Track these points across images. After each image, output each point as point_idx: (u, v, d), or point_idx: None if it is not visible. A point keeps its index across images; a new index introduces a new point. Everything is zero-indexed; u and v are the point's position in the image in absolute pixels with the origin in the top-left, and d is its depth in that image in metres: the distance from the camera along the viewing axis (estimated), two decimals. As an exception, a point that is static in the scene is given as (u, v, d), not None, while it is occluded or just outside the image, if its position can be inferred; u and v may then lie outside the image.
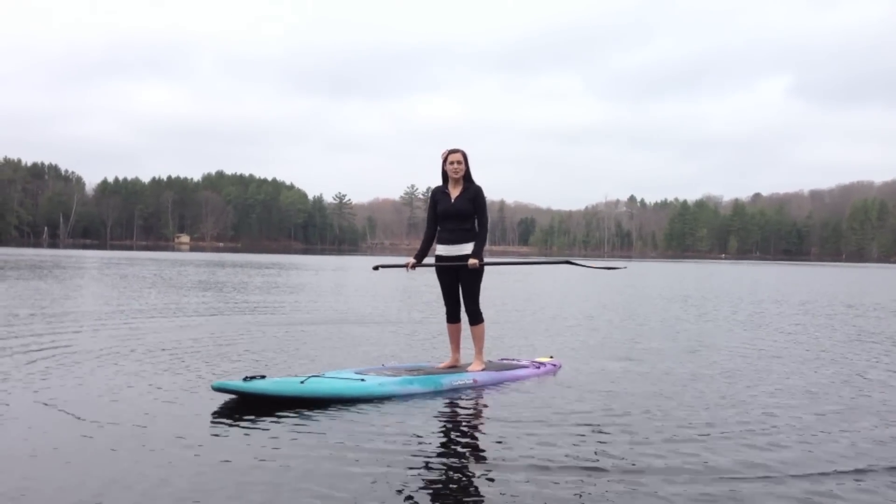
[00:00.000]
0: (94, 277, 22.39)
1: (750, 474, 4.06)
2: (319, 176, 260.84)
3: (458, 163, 6.69)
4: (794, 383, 6.77)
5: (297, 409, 5.22)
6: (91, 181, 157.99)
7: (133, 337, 8.76)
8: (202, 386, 5.92)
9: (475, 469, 4.11)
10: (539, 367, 7.06)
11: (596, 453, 4.37)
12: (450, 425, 5.11)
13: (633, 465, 4.16)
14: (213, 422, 4.92)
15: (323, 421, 4.99)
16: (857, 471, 4.16)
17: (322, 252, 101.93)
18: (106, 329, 9.47)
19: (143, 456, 4.12)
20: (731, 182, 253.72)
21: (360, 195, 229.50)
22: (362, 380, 5.82)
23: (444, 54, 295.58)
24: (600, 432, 4.84)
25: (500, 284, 22.68)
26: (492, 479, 3.91)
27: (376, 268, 7.63)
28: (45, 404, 5.24)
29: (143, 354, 7.52)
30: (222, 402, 5.41)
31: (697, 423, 5.15)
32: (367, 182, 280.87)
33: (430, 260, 6.87)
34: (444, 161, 6.73)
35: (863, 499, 3.73)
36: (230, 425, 4.83)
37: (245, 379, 5.38)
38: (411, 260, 6.86)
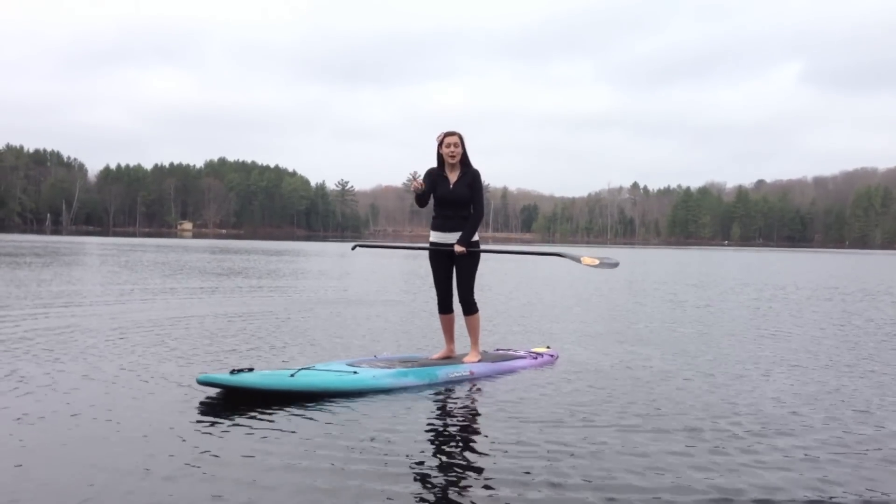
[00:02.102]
0: (115, 264, 22.27)
1: (768, 497, 3.70)
2: (325, 163, 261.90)
3: (455, 146, 6.45)
4: (818, 376, 6.60)
5: (286, 404, 5.04)
6: (94, 168, 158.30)
7: (123, 324, 8.58)
8: (188, 378, 5.71)
9: (474, 467, 3.92)
10: (536, 358, 6.88)
11: (597, 455, 4.18)
12: (447, 421, 4.93)
13: (637, 475, 3.88)
14: (198, 418, 4.73)
15: (314, 416, 4.81)
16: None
17: (325, 239, 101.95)
18: (96, 316, 9.30)
19: (119, 454, 3.93)
20: (738, 169, 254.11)
21: (364, 183, 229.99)
22: (355, 372, 5.64)
23: (456, 40, 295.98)
24: (603, 430, 4.64)
25: (492, 271, 22.50)
26: (491, 479, 3.73)
27: (354, 247, 7.48)
28: (20, 393, 5.10)
29: (129, 343, 7.34)
30: (208, 396, 5.22)
31: (705, 425, 4.91)
32: (372, 170, 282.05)
33: (417, 244, 6.70)
34: (440, 144, 6.50)
35: None
36: (216, 421, 4.64)
37: (232, 372, 5.19)
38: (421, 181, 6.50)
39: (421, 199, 6.54)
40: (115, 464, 3.78)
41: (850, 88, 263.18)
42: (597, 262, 6.90)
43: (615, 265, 6.99)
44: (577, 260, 6.91)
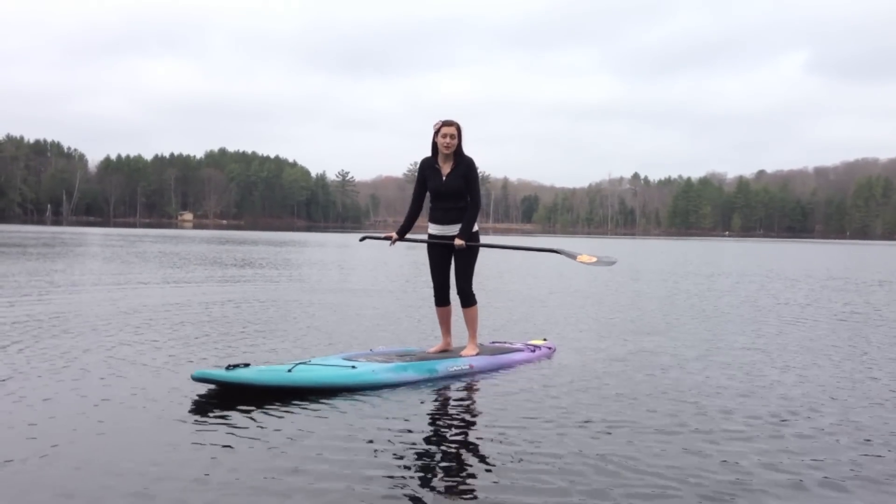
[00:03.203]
0: (121, 254, 22.21)
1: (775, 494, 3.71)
2: (326, 154, 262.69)
3: (451, 137, 6.27)
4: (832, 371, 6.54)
5: (283, 400, 4.97)
6: (94, 158, 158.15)
7: (117, 316, 8.51)
8: (182, 374, 5.60)
9: (477, 466, 3.86)
10: (534, 351, 6.82)
11: (601, 452, 4.10)
12: (448, 418, 4.84)
13: (644, 472, 3.82)
14: (192, 415, 4.64)
15: (312, 413, 4.73)
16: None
17: (325, 229, 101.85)
18: (91, 305, 9.23)
19: (110, 454, 3.86)
20: (741, 159, 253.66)
21: (365, 173, 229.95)
22: (353, 367, 5.55)
23: (461, 29, 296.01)
24: (605, 425, 4.57)
25: (491, 261, 22.41)
26: (494, 477, 3.66)
27: (363, 239, 7.35)
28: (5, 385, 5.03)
29: (123, 336, 7.26)
30: (203, 392, 5.13)
31: (710, 417, 4.85)
32: (373, 160, 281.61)
33: (416, 236, 6.64)
34: (436, 133, 6.33)
35: None
36: (211, 419, 4.56)
37: (228, 367, 5.11)
38: (394, 234, 6.63)
39: (409, 220, 6.61)
40: (103, 465, 3.71)
41: (856, 78, 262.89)
42: (594, 259, 6.79)
43: (612, 263, 6.88)
44: (573, 257, 6.78)
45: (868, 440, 4.39)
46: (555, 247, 7.02)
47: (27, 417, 4.46)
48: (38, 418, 4.45)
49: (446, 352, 6.53)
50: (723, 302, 12.45)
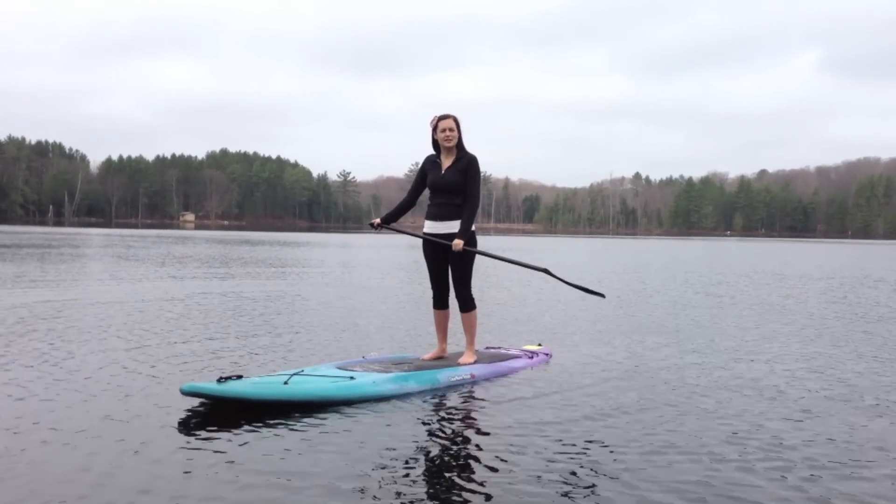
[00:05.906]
0: (123, 256, 22.09)
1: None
2: (333, 153, 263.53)
3: (451, 130, 6.14)
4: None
5: (278, 414, 4.77)
6: (97, 159, 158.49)
7: (104, 321, 8.30)
8: (170, 387, 5.35)
9: (484, 482, 3.68)
10: (532, 357, 6.66)
11: (613, 469, 3.92)
12: (452, 431, 4.62)
13: (664, 489, 3.67)
14: (181, 432, 4.41)
15: (310, 428, 4.52)
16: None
17: (327, 230, 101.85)
18: (76, 310, 9.07)
19: (93, 475, 3.65)
20: (748, 159, 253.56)
21: (368, 173, 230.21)
22: (351, 377, 5.35)
23: (474, 27, 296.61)
24: (614, 439, 4.40)
25: (476, 264, 22.22)
26: (508, 495, 3.49)
27: (375, 225, 6.93)
28: None
29: (109, 345, 7.04)
30: (193, 406, 4.90)
31: (715, 428, 4.68)
32: (377, 160, 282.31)
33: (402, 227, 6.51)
34: (434, 129, 6.21)
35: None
36: (202, 436, 4.34)
37: (219, 380, 4.89)
38: (377, 220, 6.50)
39: (398, 209, 6.53)
40: (82, 488, 3.51)
41: (867, 76, 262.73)
42: (583, 286, 6.83)
43: (601, 296, 7.00)
44: (563, 280, 6.76)
45: None
46: (547, 267, 6.80)
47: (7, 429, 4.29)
48: (14, 429, 4.27)
49: (442, 359, 6.34)
50: (727, 304, 12.25)
